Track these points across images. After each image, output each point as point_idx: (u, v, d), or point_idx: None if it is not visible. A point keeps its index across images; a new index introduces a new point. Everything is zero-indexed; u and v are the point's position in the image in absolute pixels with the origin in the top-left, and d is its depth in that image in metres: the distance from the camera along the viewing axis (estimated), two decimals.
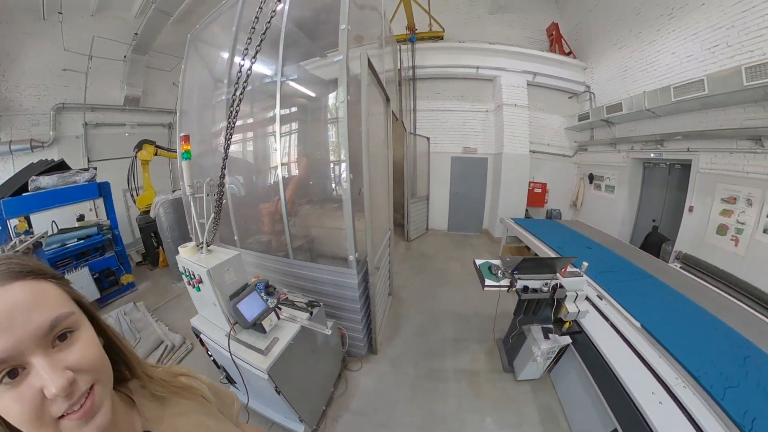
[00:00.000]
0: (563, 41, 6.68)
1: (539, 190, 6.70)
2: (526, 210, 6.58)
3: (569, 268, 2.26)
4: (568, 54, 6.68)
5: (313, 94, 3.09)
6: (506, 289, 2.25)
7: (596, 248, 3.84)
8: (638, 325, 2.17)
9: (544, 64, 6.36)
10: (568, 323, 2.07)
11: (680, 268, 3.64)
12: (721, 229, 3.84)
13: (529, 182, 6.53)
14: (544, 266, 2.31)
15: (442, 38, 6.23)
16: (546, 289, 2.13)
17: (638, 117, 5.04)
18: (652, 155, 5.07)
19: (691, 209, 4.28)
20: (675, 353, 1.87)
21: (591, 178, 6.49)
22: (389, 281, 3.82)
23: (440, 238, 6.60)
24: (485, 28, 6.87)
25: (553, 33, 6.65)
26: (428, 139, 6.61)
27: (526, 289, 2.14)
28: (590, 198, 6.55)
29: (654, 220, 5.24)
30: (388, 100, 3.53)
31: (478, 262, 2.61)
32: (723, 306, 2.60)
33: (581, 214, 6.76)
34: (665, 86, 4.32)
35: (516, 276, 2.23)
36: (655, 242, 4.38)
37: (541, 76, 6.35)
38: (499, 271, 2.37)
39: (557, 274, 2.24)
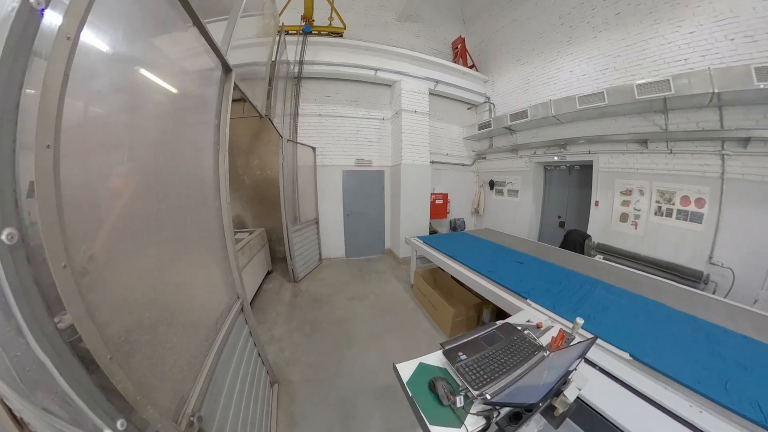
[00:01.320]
0: (468, 55, 7.10)
1: (441, 201, 6.45)
2: (430, 223, 6.26)
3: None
4: (471, 67, 7.04)
5: None
6: None
7: (527, 260, 3.52)
8: (627, 356, 1.69)
9: (446, 73, 6.39)
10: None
11: (603, 259, 3.90)
12: (623, 217, 4.77)
13: (431, 194, 6.21)
14: (514, 347, 1.49)
15: (341, 36, 5.52)
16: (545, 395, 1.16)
17: (543, 124, 5.73)
18: (555, 158, 5.74)
19: (597, 203, 5.08)
20: (675, 376, 1.52)
21: (492, 184, 6.85)
22: (265, 367, 2.36)
23: (338, 269, 5.52)
24: (390, 34, 6.59)
25: (459, 47, 6.98)
26: (314, 149, 5.47)
27: (518, 416, 1.15)
28: (492, 204, 7.04)
29: (560, 216, 6.07)
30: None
31: (405, 370, 1.40)
32: (658, 288, 2.76)
33: (484, 219, 7.23)
34: (571, 96, 4.96)
35: (495, 402, 1.10)
36: (577, 240, 4.57)
37: (443, 84, 6.25)
38: (456, 397, 1.19)
39: (544, 352, 1.48)
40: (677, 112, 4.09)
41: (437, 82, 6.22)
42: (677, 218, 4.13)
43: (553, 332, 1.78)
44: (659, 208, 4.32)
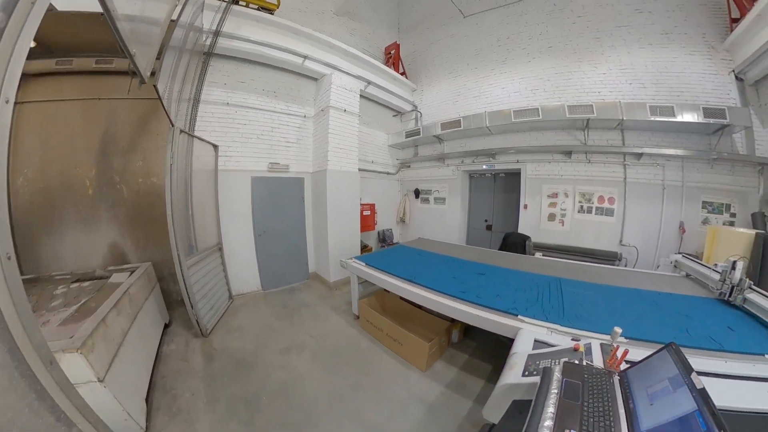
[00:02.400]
0: (400, 62, 7.10)
1: (368, 212, 6.04)
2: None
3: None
4: (402, 74, 7.03)
5: None
6: None
7: (487, 271, 3.55)
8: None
9: (379, 76, 6.18)
10: None
11: (542, 255, 4.41)
12: (551, 217, 5.61)
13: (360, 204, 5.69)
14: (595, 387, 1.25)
15: (272, 14, 4.61)
16: None
17: (474, 134, 6.16)
18: (484, 167, 6.27)
19: (525, 206, 5.81)
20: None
21: (417, 193, 6.91)
22: None
23: (256, 308, 4.31)
24: (325, 25, 5.94)
25: (392, 52, 7.01)
26: (215, 147, 4.19)
27: None
28: (418, 212, 7.13)
29: (486, 220, 6.70)
30: None
31: None
32: (597, 273, 3.47)
33: (410, 228, 7.25)
34: (506, 109, 5.57)
35: None
36: (518, 241, 4.94)
37: (374, 86, 6.00)
38: None
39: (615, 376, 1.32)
40: (594, 130, 5.20)
41: (368, 83, 5.83)
42: (596, 214, 5.27)
43: (594, 350, 1.65)
44: (582, 206, 5.36)
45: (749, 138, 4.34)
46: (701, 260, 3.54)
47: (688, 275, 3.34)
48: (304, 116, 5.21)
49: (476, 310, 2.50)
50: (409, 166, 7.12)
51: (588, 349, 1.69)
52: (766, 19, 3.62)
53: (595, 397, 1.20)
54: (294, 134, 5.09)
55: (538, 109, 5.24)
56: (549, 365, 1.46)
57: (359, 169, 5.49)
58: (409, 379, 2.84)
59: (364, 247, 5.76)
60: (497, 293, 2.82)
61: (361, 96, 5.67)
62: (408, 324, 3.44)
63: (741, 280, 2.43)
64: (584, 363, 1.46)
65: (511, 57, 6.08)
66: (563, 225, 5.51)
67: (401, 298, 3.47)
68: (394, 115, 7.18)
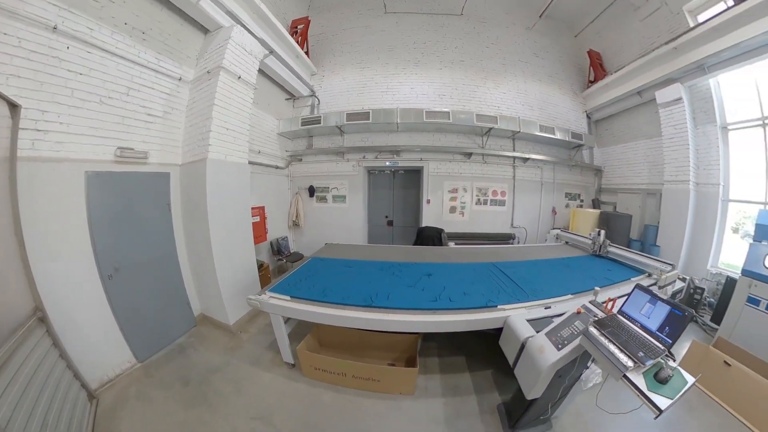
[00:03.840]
0: (306, 41, 6.47)
1: (258, 218, 4.95)
2: None
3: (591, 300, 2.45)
4: (306, 53, 6.39)
5: None
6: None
7: (433, 270, 3.68)
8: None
9: (282, 48, 5.29)
10: None
11: (455, 244, 5.40)
12: (452, 209, 6.72)
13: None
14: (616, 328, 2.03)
15: None
16: None
17: (380, 129, 6.38)
18: (388, 163, 6.60)
19: (428, 201, 6.63)
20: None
21: (312, 191, 6.40)
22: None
23: (143, 402, 2.73)
24: None
25: (300, 27, 6.35)
26: (13, 108, 2.22)
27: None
28: (313, 212, 6.71)
29: (387, 216, 7.16)
30: None
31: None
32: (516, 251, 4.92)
33: (305, 232, 6.74)
34: (419, 108, 6.09)
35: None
36: (433, 235, 5.50)
37: (275, 58, 5.08)
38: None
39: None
40: (492, 138, 6.67)
41: (271, 52, 4.85)
42: (491, 205, 6.87)
43: (596, 308, 2.37)
44: (479, 199, 6.81)
45: (591, 153, 7.62)
46: (570, 231, 5.89)
47: (567, 242, 5.30)
48: (180, 79, 3.65)
49: (458, 316, 2.64)
50: (300, 160, 6.40)
51: (587, 309, 2.33)
52: (604, 91, 6.78)
53: (620, 330, 2.00)
54: (160, 104, 3.45)
55: (449, 112, 6.00)
56: (583, 329, 2.07)
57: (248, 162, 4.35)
58: (404, 409, 2.75)
59: (260, 266, 4.67)
60: (463, 291, 3.06)
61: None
62: (366, 352, 3.25)
63: (604, 241, 4.39)
64: (602, 313, 2.25)
65: (424, 61, 6.73)
66: (464, 216, 6.79)
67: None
68: (287, 99, 6.31)
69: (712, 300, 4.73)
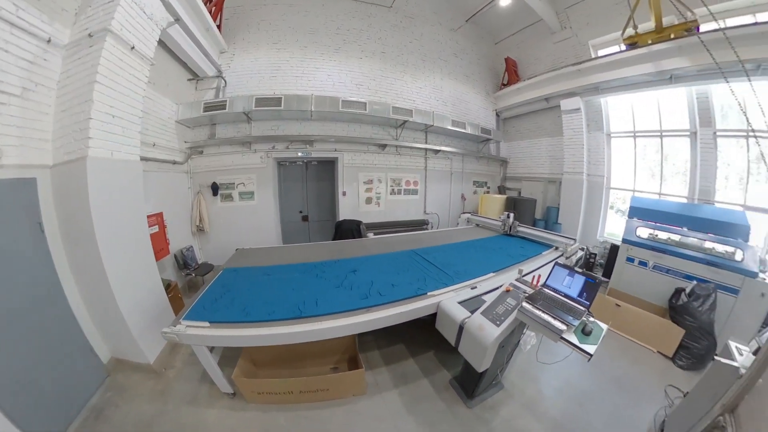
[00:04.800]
0: (221, 13, 5.82)
1: (156, 228, 4.30)
2: None
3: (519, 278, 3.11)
4: (219, 26, 5.68)
5: None
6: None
7: (357, 265, 3.76)
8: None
9: (192, 17, 4.65)
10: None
11: (374, 235, 5.71)
12: (368, 200, 7.17)
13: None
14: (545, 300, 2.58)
15: None
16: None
17: (292, 117, 6.26)
18: (300, 154, 6.49)
19: (344, 193, 6.87)
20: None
21: (216, 188, 5.87)
22: None
23: None
24: None
25: None
26: None
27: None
28: (219, 213, 6.05)
29: (301, 211, 7.12)
30: None
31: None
32: (430, 237, 5.40)
33: (211, 237, 6.00)
34: (335, 96, 6.12)
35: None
36: (352, 227, 5.74)
37: (182, 28, 4.42)
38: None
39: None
40: (406, 130, 7.24)
41: (177, 20, 4.16)
42: (405, 194, 7.62)
43: (523, 284, 2.98)
44: (393, 189, 7.43)
45: (498, 147, 9.27)
46: (480, 215, 6.94)
47: (477, 225, 6.20)
48: (49, 41, 2.82)
49: (391, 310, 2.81)
50: (201, 152, 5.68)
51: (516, 287, 2.88)
52: (516, 94, 8.24)
53: (549, 301, 2.54)
54: (18, 76, 2.67)
55: (366, 103, 6.22)
56: (516, 305, 2.56)
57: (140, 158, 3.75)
58: (363, 410, 2.89)
59: (168, 286, 4.10)
60: (391, 283, 3.27)
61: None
62: (304, 362, 3.28)
63: (513, 222, 5.30)
64: (530, 290, 2.81)
65: (345, 48, 6.86)
66: (379, 206, 7.34)
67: None
68: (189, 79, 5.56)
69: (602, 261, 6.62)
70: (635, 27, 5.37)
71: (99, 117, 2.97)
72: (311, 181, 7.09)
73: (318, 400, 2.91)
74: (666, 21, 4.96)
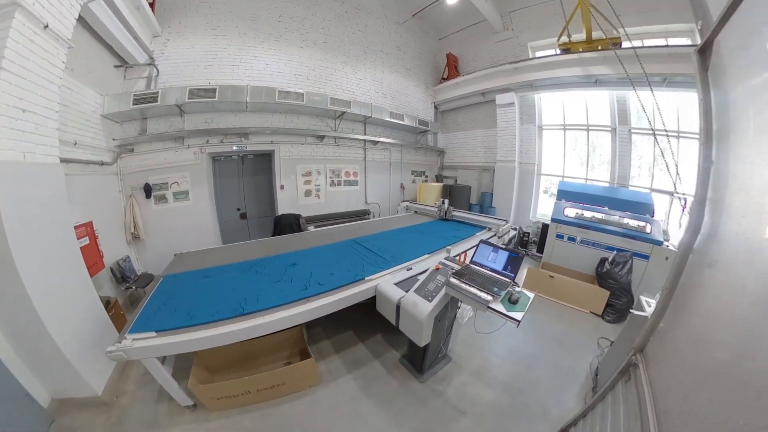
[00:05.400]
0: None
1: (87, 240, 3.82)
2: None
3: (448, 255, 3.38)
4: (151, 5, 5.11)
5: None
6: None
7: (296, 258, 3.79)
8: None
9: None
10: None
11: (314, 228, 5.83)
12: (308, 193, 7.09)
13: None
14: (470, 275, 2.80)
15: None
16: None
17: (227, 109, 5.95)
18: (234, 148, 6.15)
19: (282, 187, 6.69)
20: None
21: (148, 190, 5.31)
22: None
23: None
24: None
25: None
26: None
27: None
28: (153, 218, 5.45)
29: (239, 209, 6.78)
30: None
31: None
32: (368, 226, 5.68)
33: (148, 244, 5.40)
34: (271, 87, 5.96)
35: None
36: (291, 222, 5.80)
37: (107, 3, 3.91)
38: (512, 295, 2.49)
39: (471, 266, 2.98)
40: (345, 121, 7.28)
41: None
42: (344, 185, 7.63)
43: (451, 262, 3.22)
44: (333, 181, 7.40)
45: (435, 138, 9.75)
46: (418, 202, 7.31)
47: (416, 212, 6.57)
48: None
49: (331, 297, 2.92)
50: (132, 150, 5.07)
51: (444, 264, 3.12)
52: (454, 88, 8.70)
53: (476, 275, 2.77)
54: None
55: (303, 94, 6.15)
56: (444, 281, 2.76)
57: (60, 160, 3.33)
58: (322, 399, 2.96)
59: (108, 304, 3.63)
60: (330, 272, 3.38)
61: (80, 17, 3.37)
62: (257, 360, 3.26)
63: (448, 208, 5.71)
64: (457, 266, 3.01)
65: (286, 36, 6.62)
66: (319, 198, 7.29)
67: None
68: (116, 66, 4.86)
69: (535, 239, 7.47)
70: (569, 36, 6.17)
71: (5, 112, 2.50)
72: (247, 176, 6.80)
73: (277, 396, 2.92)
74: (595, 35, 5.81)
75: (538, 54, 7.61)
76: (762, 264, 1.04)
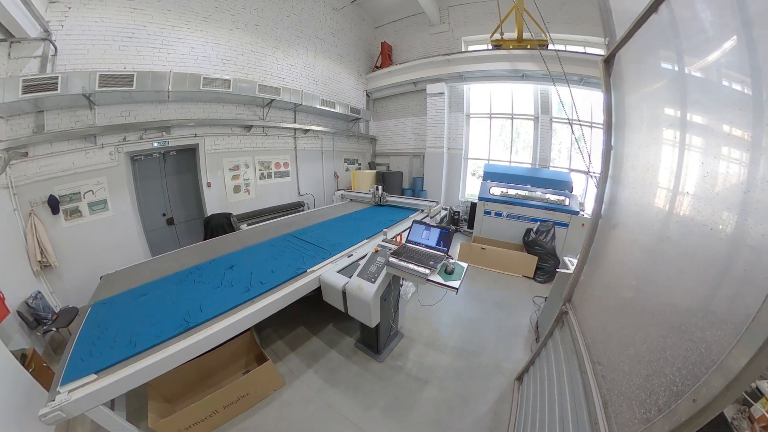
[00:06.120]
0: None
1: None
2: None
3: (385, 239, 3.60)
4: None
5: None
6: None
7: (233, 260, 3.60)
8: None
9: None
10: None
11: (248, 225, 5.66)
12: (236, 189, 6.67)
13: None
14: (408, 253, 3.03)
15: None
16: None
17: (146, 99, 5.17)
18: (155, 144, 5.43)
19: (209, 185, 6.20)
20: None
21: (55, 203, 4.35)
22: None
23: None
24: None
25: None
26: None
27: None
28: (66, 237, 4.52)
29: (164, 214, 6.04)
30: None
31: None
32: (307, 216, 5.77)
33: (64, 272, 4.45)
34: (196, 73, 5.42)
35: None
36: (222, 222, 5.56)
37: None
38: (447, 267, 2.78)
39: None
40: (273, 109, 6.98)
41: None
42: (275, 177, 7.33)
43: (389, 243, 3.44)
44: (263, 174, 7.06)
45: (367, 125, 9.86)
46: (353, 190, 7.48)
47: (351, 200, 6.69)
48: None
49: (275, 295, 2.87)
50: (26, 154, 4.08)
51: (383, 246, 3.29)
52: (387, 77, 8.96)
53: (412, 253, 3.04)
54: None
55: (230, 81, 5.73)
56: (384, 261, 2.95)
57: None
58: (291, 400, 2.97)
59: (24, 360, 3.03)
60: (271, 269, 3.31)
61: None
62: (215, 376, 3.13)
63: (383, 194, 6.08)
64: (395, 247, 3.22)
65: (215, 17, 6.00)
66: (249, 193, 6.91)
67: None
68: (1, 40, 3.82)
69: (465, 217, 8.23)
70: (502, 33, 6.89)
71: None
72: (171, 175, 6.07)
73: (246, 407, 2.88)
74: (525, 36, 6.60)
75: (471, 48, 8.25)
76: (647, 222, 1.45)
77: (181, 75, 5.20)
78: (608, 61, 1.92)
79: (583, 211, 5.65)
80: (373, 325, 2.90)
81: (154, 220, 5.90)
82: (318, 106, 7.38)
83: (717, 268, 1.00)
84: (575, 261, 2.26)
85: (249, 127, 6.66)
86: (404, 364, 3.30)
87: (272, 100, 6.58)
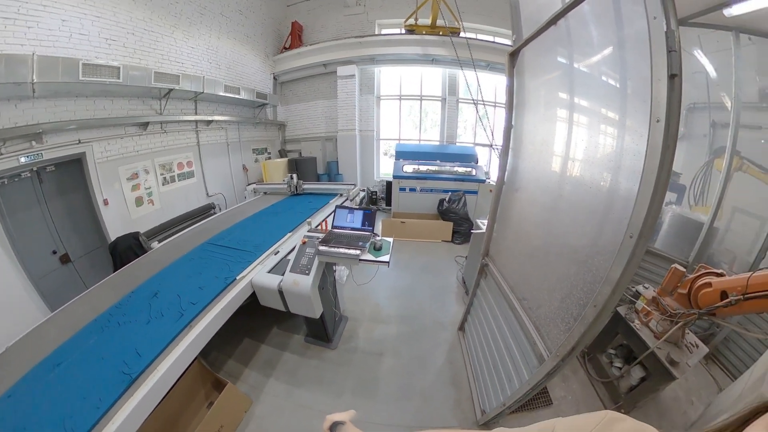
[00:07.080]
0: None
1: None
2: None
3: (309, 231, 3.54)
4: None
5: None
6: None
7: (155, 285, 3.01)
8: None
9: None
10: None
11: (159, 243, 4.50)
12: (139, 201, 5.54)
13: None
14: (338, 239, 3.07)
15: None
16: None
17: (5, 95, 3.68)
18: (23, 160, 3.91)
19: (106, 202, 4.97)
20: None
21: None
22: None
23: None
24: None
25: None
26: None
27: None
28: None
29: (55, 251, 4.62)
30: None
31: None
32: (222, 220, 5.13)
33: None
34: (72, 57, 4.21)
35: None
36: (130, 245, 4.35)
37: None
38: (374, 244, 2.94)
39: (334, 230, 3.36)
40: (172, 100, 6.05)
41: None
42: (179, 180, 6.34)
43: (315, 233, 3.39)
44: (165, 178, 6.03)
45: (275, 111, 9.25)
46: (265, 182, 7.18)
47: (265, 193, 6.24)
48: None
49: (211, 313, 2.63)
50: None
51: (309, 237, 3.23)
52: (296, 58, 8.53)
53: (340, 237, 3.07)
54: None
55: (119, 68, 4.65)
56: (315, 251, 2.97)
57: None
58: (263, 414, 2.88)
59: None
60: (198, 286, 2.97)
61: None
62: (182, 417, 2.81)
63: (298, 182, 5.77)
64: (321, 235, 3.19)
65: None
66: (154, 204, 5.85)
67: None
68: None
69: (383, 195, 8.65)
70: (416, 19, 7.21)
71: None
72: (53, 199, 4.64)
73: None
74: (439, 22, 6.98)
75: (384, 31, 8.49)
76: (541, 183, 1.92)
77: (51, 59, 3.95)
78: (513, 54, 2.35)
79: (489, 178, 6.47)
80: (317, 316, 2.98)
81: (42, 263, 4.47)
82: (221, 93, 6.69)
83: (600, 214, 1.43)
84: (486, 221, 2.70)
85: (145, 125, 5.51)
86: (357, 344, 3.50)
87: (170, 90, 5.62)
